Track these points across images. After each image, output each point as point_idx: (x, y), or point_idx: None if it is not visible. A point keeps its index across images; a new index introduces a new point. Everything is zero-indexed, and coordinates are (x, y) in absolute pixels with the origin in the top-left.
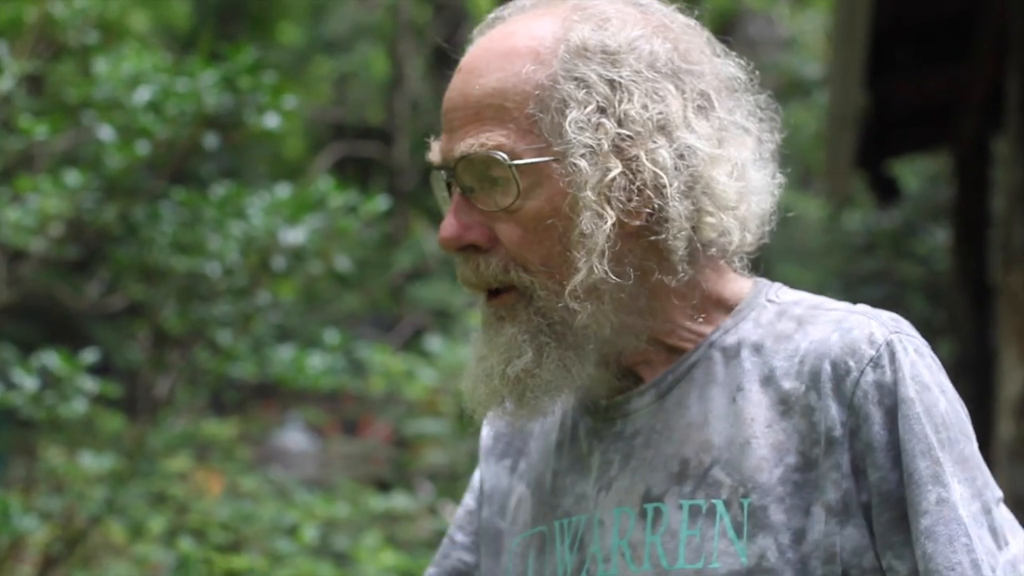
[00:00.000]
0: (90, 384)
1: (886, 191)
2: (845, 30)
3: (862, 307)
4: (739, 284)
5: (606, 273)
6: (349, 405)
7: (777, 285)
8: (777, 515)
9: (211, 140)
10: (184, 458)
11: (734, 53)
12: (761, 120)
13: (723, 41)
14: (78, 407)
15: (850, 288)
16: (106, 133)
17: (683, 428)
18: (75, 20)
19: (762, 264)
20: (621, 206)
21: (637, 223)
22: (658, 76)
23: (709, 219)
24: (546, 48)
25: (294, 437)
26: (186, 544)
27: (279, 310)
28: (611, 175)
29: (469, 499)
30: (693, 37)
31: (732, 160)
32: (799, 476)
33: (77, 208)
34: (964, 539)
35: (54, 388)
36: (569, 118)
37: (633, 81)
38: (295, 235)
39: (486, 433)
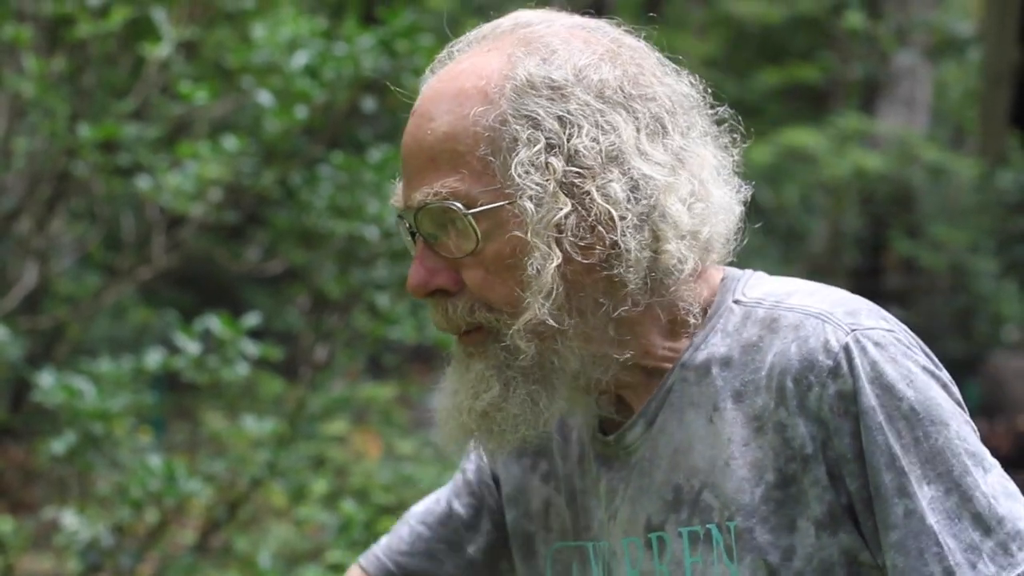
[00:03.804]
0: (252, 348)
1: None
2: None
3: (820, 302)
4: (710, 284)
5: (548, 314)
6: None
7: (747, 276)
8: (763, 536)
9: (368, 104)
10: (342, 421)
11: (685, 71)
12: (718, 136)
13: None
14: (240, 370)
15: (1004, 247)
16: (265, 98)
17: (670, 454)
18: None
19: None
20: (572, 243)
21: (590, 260)
22: (607, 106)
23: (667, 247)
24: (493, 87)
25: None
26: (348, 506)
27: None
28: (559, 215)
29: (446, 500)
30: (643, 60)
31: (690, 184)
32: (779, 493)
33: (236, 173)
34: (935, 548)
35: (216, 352)
36: (515, 159)
37: (582, 114)
38: None
39: None
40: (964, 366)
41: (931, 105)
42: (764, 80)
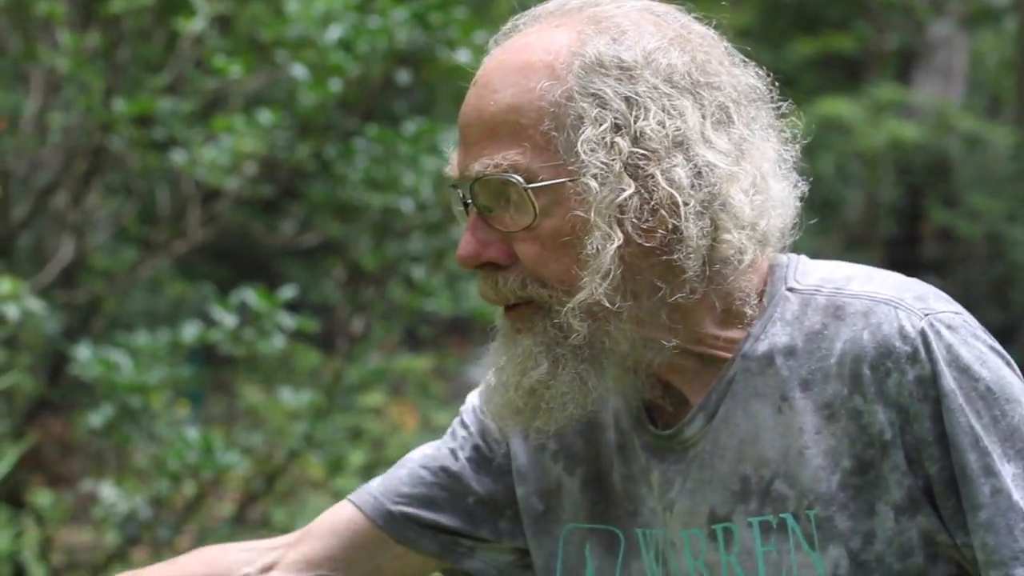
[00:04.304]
0: (288, 320)
1: None
2: None
3: (885, 287)
4: (759, 273)
5: (604, 295)
6: None
7: (794, 262)
8: (843, 523)
9: (403, 76)
10: (379, 394)
11: (752, 63)
12: (781, 130)
13: None
14: (276, 343)
15: None
16: (299, 71)
17: (735, 445)
18: None
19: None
20: (634, 226)
21: (651, 243)
22: (675, 91)
23: (726, 236)
24: (561, 63)
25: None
26: None
27: None
28: (623, 196)
29: (449, 448)
30: (711, 48)
31: (751, 175)
32: (857, 479)
33: (270, 147)
34: (1023, 524)
35: (253, 325)
36: (581, 137)
37: (650, 97)
38: None
39: None
40: (1001, 335)
41: (967, 75)
42: (799, 50)
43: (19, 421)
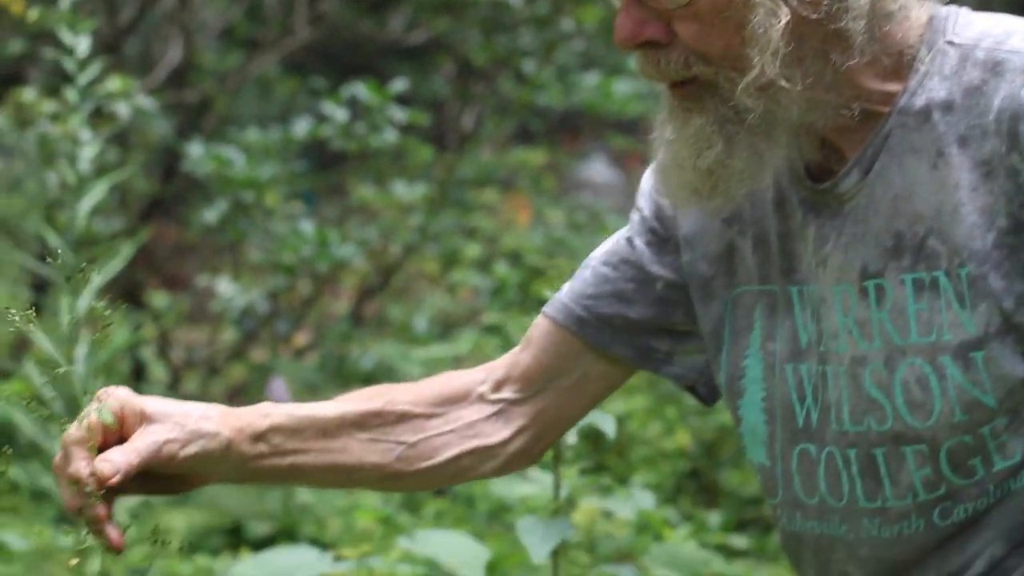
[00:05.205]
0: (399, 114)
1: None
2: None
3: None
4: (918, 24)
5: (778, 72)
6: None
7: (954, 14)
8: (997, 282)
9: None
10: (492, 191)
11: None
12: None
13: None
14: (388, 137)
15: None
16: None
17: (889, 201)
18: None
19: None
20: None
21: (816, 15)
22: None
23: None
24: None
25: (598, 168)
26: (501, 269)
27: (583, 37)
28: None
29: (625, 238)
30: None
31: None
32: (1013, 239)
33: None
34: None
35: (364, 119)
36: None
37: None
38: None
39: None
40: None
41: None
42: None
43: (133, 219)
